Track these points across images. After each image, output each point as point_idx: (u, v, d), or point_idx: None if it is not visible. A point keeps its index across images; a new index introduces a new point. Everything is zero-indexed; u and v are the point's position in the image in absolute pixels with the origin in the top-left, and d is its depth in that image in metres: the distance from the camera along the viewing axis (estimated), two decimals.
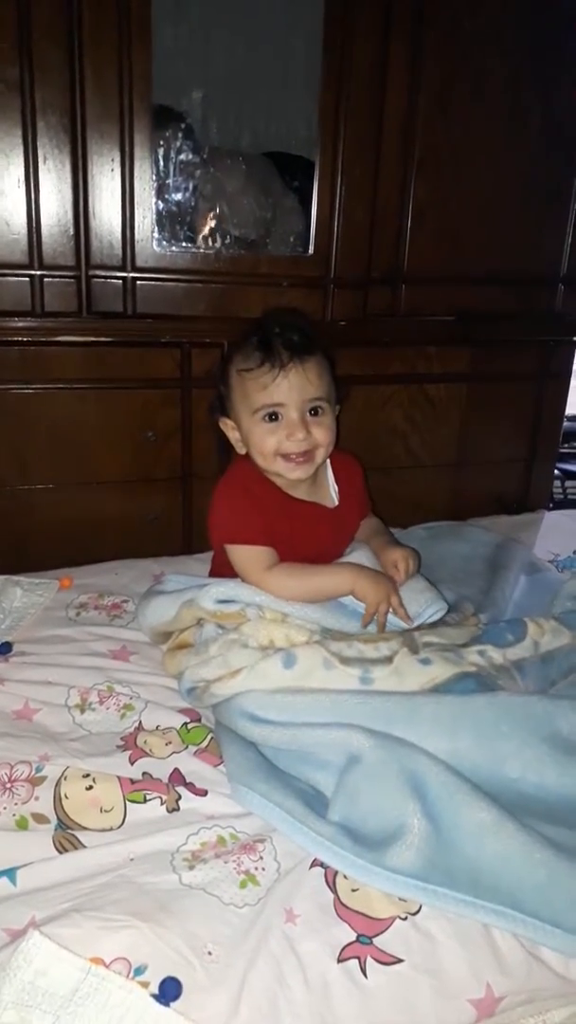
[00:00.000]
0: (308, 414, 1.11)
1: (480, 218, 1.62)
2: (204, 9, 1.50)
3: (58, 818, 0.88)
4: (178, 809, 0.90)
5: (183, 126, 1.48)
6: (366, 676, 1.01)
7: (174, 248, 1.47)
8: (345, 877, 0.82)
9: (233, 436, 1.18)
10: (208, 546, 1.26)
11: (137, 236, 1.41)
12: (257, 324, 1.13)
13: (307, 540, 1.15)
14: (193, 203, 1.52)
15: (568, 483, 2.16)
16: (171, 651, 1.15)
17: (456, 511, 1.76)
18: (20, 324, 1.41)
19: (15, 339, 1.42)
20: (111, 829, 0.87)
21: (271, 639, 1.06)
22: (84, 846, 0.85)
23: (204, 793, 0.93)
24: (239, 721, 0.99)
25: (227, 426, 1.18)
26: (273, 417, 1.10)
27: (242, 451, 1.17)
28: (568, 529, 1.63)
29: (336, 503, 1.22)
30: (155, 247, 1.43)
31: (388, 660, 1.03)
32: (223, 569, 1.18)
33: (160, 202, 1.45)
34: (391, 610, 1.09)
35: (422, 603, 1.12)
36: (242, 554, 1.12)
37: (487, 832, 0.83)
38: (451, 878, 0.81)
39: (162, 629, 1.17)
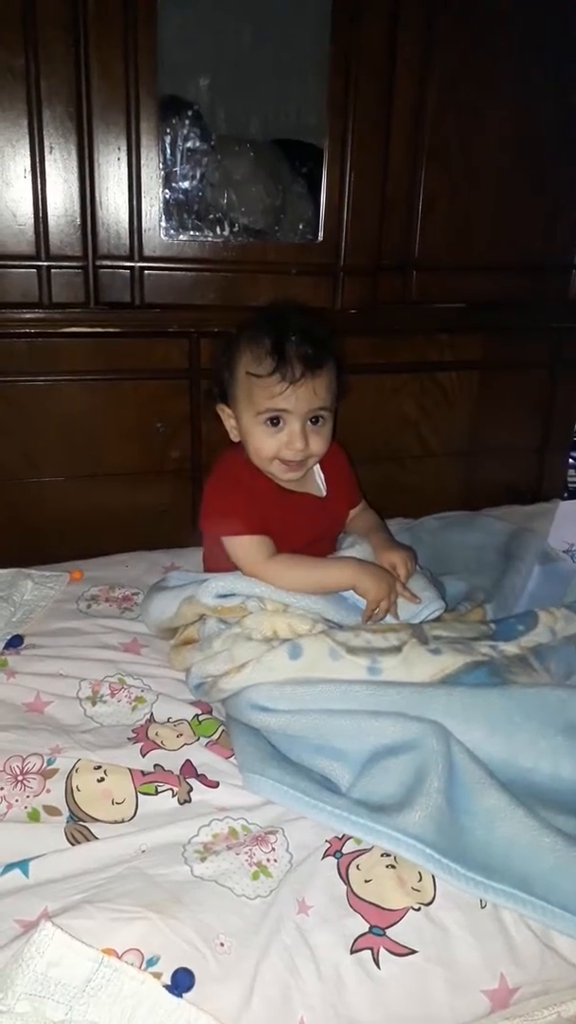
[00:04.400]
0: (309, 423, 1.11)
1: (491, 204, 1.60)
2: None
3: (70, 810, 0.88)
4: (190, 801, 0.90)
5: (190, 113, 1.47)
6: (374, 666, 1.01)
7: (182, 237, 1.46)
8: (358, 868, 0.82)
9: (229, 424, 1.18)
10: None
11: (144, 225, 1.40)
12: (273, 320, 1.11)
13: (299, 529, 1.16)
14: (201, 191, 1.50)
15: None
16: (176, 647, 1.15)
17: (468, 501, 1.75)
18: (28, 316, 1.40)
19: (23, 331, 1.42)
20: (123, 821, 0.87)
21: (275, 630, 1.06)
22: (96, 838, 0.85)
23: (216, 785, 0.92)
24: (251, 714, 0.99)
25: (224, 413, 1.18)
26: (275, 422, 1.10)
27: (236, 439, 1.17)
28: None
29: (324, 492, 1.22)
30: (163, 236, 1.42)
31: (397, 650, 1.03)
32: (215, 563, 1.18)
33: (167, 191, 1.44)
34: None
35: (420, 602, 1.12)
36: (240, 545, 1.12)
37: (497, 817, 0.84)
38: (464, 859, 0.81)
39: (166, 626, 1.17)
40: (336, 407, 1.18)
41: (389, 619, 1.11)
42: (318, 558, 1.14)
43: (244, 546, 1.12)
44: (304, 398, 1.08)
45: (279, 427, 1.10)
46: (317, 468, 1.22)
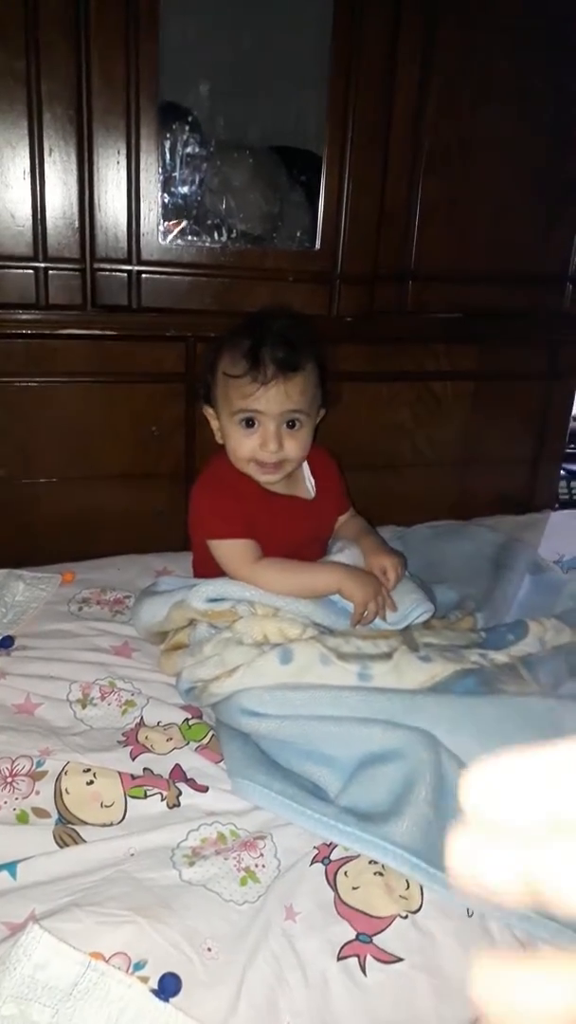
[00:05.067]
0: (285, 426, 1.13)
1: (489, 214, 1.61)
2: (212, 1, 1.49)
3: (59, 812, 0.88)
4: (179, 805, 0.90)
5: (190, 119, 1.47)
6: (364, 672, 1.01)
7: (180, 242, 1.47)
8: (346, 875, 0.82)
9: (214, 425, 1.20)
10: None
11: (142, 229, 1.40)
12: (252, 324, 1.13)
13: (286, 532, 1.17)
14: (199, 197, 1.51)
15: (574, 483, 2.15)
16: (167, 652, 1.15)
17: (461, 510, 1.76)
18: (24, 317, 1.40)
19: (19, 332, 1.41)
20: (111, 824, 0.87)
21: (265, 634, 1.06)
22: (84, 841, 0.85)
23: (205, 789, 0.92)
24: (240, 718, 0.99)
25: (209, 415, 1.20)
26: (250, 423, 1.12)
27: (220, 441, 1.19)
28: (574, 530, 1.62)
29: (313, 496, 1.23)
30: (160, 240, 1.43)
31: (387, 656, 1.03)
32: (204, 568, 1.19)
33: (166, 195, 1.44)
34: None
35: (409, 604, 1.13)
36: (227, 549, 1.13)
37: None
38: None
39: (155, 630, 1.17)
40: (319, 413, 1.19)
41: (380, 624, 1.11)
42: (304, 562, 1.15)
43: (229, 549, 1.12)
44: (276, 400, 1.09)
45: (254, 428, 1.12)
46: (307, 471, 1.23)
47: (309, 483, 1.24)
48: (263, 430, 1.12)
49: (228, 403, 1.12)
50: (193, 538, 1.22)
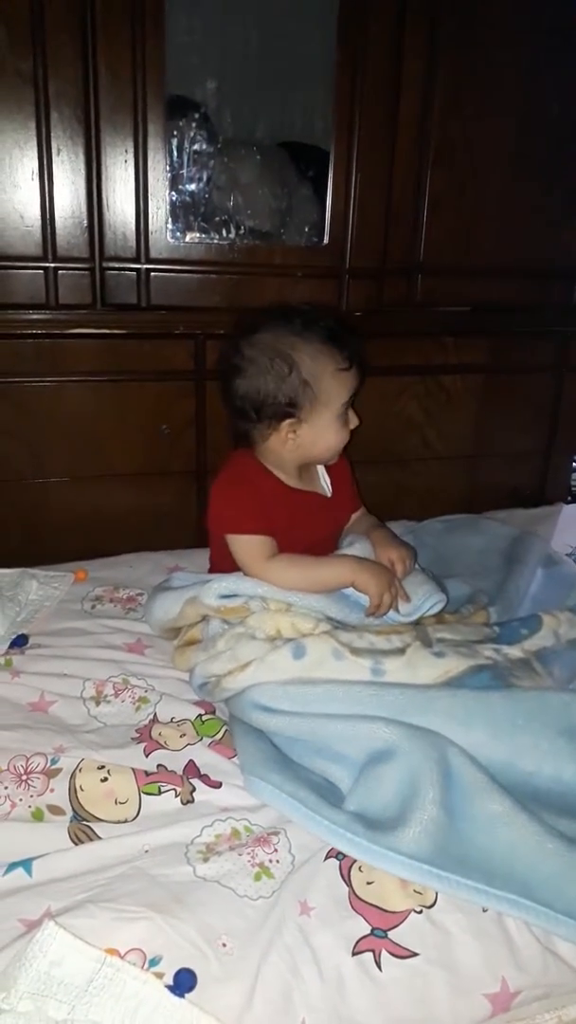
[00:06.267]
0: None
1: (497, 208, 1.60)
2: None
3: (73, 810, 0.88)
4: (192, 801, 0.91)
5: (197, 116, 1.47)
6: (377, 667, 1.01)
7: (188, 239, 1.47)
8: (360, 870, 0.82)
9: (288, 439, 1.13)
10: None
11: (151, 227, 1.41)
12: (323, 320, 1.13)
13: (305, 528, 1.17)
14: (207, 194, 1.51)
15: None
16: (180, 647, 1.15)
17: (472, 503, 1.75)
18: (35, 317, 1.41)
19: (30, 332, 1.42)
20: (126, 821, 0.88)
21: (278, 629, 1.06)
22: (99, 838, 0.85)
23: (218, 785, 0.93)
24: (252, 713, 0.99)
25: (284, 430, 1.12)
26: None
27: (295, 452, 1.14)
28: None
29: (329, 493, 1.24)
30: (169, 238, 1.43)
31: (400, 652, 1.03)
32: (222, 563, 1.19)
33: (174, 193, 1.44)
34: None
35: (421, 595, 1.13)
36: (243, 544, 1.13)
37: (499, 823, 0.84)
38: (464, 867, 0.81)
39: (169, 626, 1.18)
40: None
41: (395, 616, 1.11)
42: (318, 557, 1.15)
43: (246, 544, 1.13)
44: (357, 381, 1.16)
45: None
46: (322, 469, 1.24)
47: (325, 481, 1.24)
48: (351, 413, 1.17)
49: (335, 400, 1.13)
50: (212, 532, 1.22)
